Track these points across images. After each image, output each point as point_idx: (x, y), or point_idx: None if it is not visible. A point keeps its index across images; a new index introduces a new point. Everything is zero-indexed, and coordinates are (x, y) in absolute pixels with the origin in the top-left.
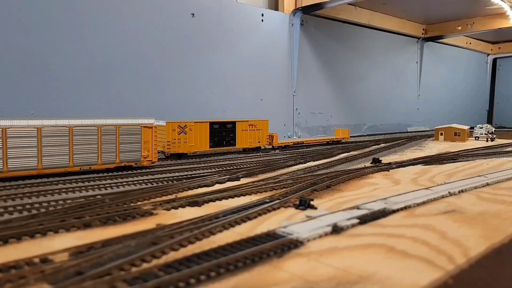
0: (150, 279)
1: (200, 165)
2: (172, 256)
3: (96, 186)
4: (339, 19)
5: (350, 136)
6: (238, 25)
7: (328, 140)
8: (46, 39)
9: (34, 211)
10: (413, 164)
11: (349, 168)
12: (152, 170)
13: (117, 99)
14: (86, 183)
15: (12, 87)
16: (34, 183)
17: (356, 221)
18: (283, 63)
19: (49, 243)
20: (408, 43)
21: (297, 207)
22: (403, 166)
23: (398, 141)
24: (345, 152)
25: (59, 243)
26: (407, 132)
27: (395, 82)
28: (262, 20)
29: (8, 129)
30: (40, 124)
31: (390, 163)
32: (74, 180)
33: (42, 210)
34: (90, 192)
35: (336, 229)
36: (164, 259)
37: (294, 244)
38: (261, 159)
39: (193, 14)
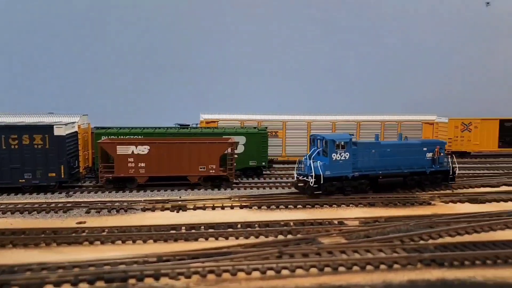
0: (426, 252)
1: (485, 165)
2: (447, 240)
3: None
4: None
5: None
6: None
7: None
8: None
9: None
10: None
11: None
12: None
13: (401, 94)
14: None
15: (312, 90)
16: None
17: None
18: None
19: (343, 212)
20: None
21: None
22: None
23: None
24: None
25: (350, 213)
26: None
27: None
28: None
29: (286, 122)
30: (334, 119)
31: None
32: None
33: None
34: None
35: None
36: (439, 241)
37: None
38: None
39: (488, 3)
